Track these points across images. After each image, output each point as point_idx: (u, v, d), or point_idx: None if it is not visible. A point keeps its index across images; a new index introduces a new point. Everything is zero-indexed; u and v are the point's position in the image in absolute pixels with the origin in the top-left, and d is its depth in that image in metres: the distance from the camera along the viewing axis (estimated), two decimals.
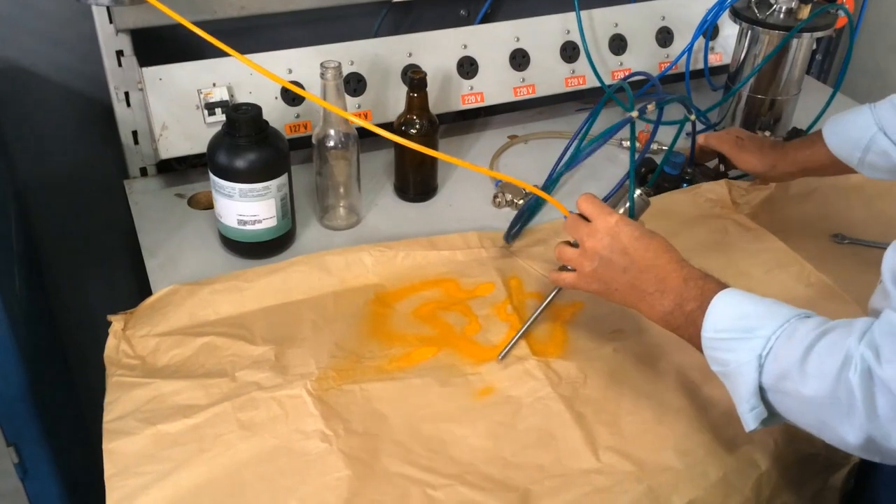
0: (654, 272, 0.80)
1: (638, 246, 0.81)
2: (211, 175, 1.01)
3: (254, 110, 0.99)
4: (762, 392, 0.69)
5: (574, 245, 0.87)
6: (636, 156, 0.98)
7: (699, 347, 0.75)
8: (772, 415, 0.70)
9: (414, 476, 0.79)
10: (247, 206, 1.01)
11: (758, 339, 0.68)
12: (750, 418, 0.70)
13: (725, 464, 0.83)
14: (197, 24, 0.84)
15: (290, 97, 1.18)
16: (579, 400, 0.88)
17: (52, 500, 1.04)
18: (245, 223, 1.02)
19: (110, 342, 0.92)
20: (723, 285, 0.76)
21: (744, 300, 0.73)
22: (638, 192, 0.90)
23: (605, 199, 0.92)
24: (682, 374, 0.91)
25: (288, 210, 1.05)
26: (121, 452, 0.79)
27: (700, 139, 1.19)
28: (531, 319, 0.95)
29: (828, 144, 1.04)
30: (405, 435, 0.83)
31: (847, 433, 0.62)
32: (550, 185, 1.11)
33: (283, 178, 1.02)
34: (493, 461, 0.81)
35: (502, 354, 0.93)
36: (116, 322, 0.93)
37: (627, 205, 0.90)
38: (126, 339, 0.92)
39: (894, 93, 1.01)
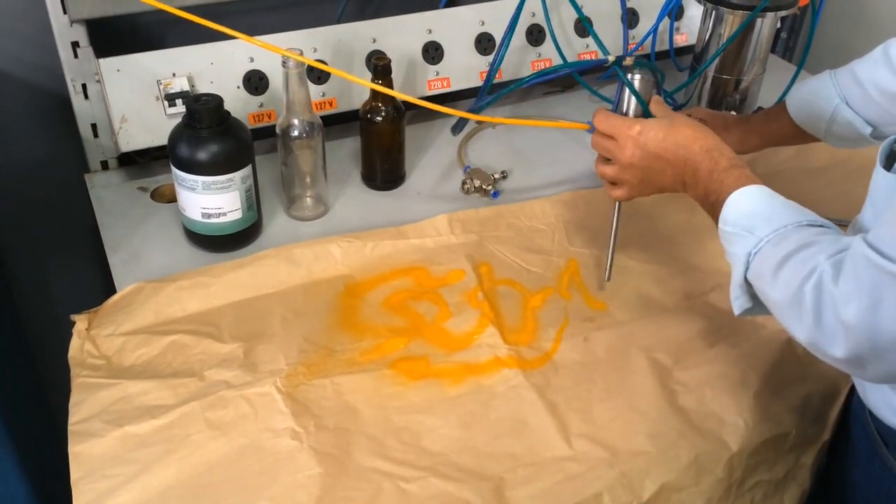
0: (687, 166, 0.84)
1: (667, 146, 0.85)
2: (173, 168, 0.99)
3: (215, 101, 0.97)
4: (749, 286, 0.75)
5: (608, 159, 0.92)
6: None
7: None
8: (757, 304, 0.75)
9: (386, 470, 0.78)
10: (210, 199, 0.99)
11: (752, 239, 0.73)
12: (735, 305, 0.77)
13: (697, 446, 0.83)
14: (156, 11, 0.82)
15: (253, 86, 1.15)
16: (551, 388, 0.88)
17: (19, 502, 1.03)
18: (209, 216, 1.00)
19: (74, 342, 0.90)
20: (744, 181, 0.79)
21: (755, 200, 0.77)
22: (637, 77, 0.90)
23: (615, 107, 0.93)
24: (652, 358, 0.92)
25: (253, 202, 1.04)
26: (87, 455, 0.78)
27: None
28: (612, 241, 0.98)
29: (793, 117, 1.05)
30: (377, 428, 0.83)
31: (797, 333, 0.68)
32: (484, 104, 1.09)
33: (247, 170, 1.00)
34: (466, 451, 0.81)
35: (607, 277, 0.99)
36: (80, 322, 0.91)
37: (634, 102, 0.90)
38: (90, 339, 0.90)
39: None
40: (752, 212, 0.76)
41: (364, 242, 1.04)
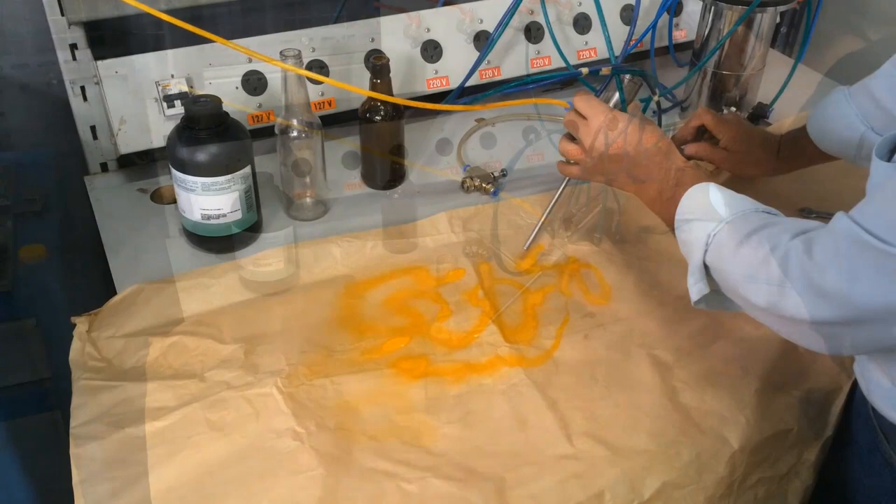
0: (643, 164, 0.89)
1: (630, 141, 0.90)
2: (172, 169, 0.99)
3: (213, 102, 0.97)
4: (708, 270, 0.77)
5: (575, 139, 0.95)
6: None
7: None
8: (715, 293, 0.78)
9: (387, 470, 0.78)
10: (210, 200, 0.99)
11: (711, 223, 0.77)
12: (693, 291, 0.79)
13: (698, 443, 0.83)
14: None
15: (252, 87, 1.15)
16: (552, 386, 0.88)
17: None
18: (209, 217, 1.00)
19: (75, 345, 0.90)
20: (701, 178, 0.84)
21: (713, 192, 0.80)
22: (626, 76, 0.95)
23: (599, 93, 0.98)
24: (653, 356, 0.92)
25: (253, 202, 1.03)
26: (89, 458, 0.78)
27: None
28: (546, 213, 1.04)
29: (820, 148, 1.04)
30: (378, 428, 0.83)
31: (756, 298, 0.71)
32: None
33: (247, 171, 1.00)
34: (467, 451, 0.81)
35: (526, 245, 1.04)
36: (81, 324, 0.91)
37: (617, 95, 0.96)
38: (91, 342, 0.90)
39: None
40: (711, 201, 0.80)
41: (364, 242, 1.04)
